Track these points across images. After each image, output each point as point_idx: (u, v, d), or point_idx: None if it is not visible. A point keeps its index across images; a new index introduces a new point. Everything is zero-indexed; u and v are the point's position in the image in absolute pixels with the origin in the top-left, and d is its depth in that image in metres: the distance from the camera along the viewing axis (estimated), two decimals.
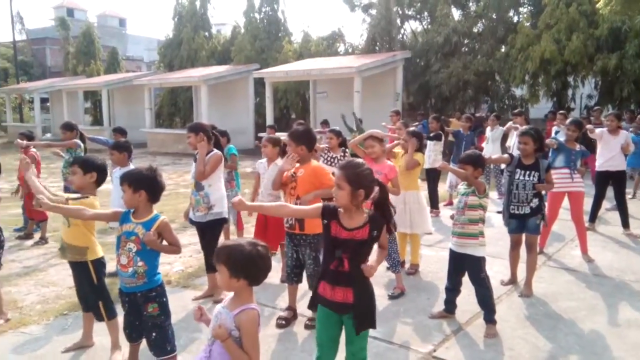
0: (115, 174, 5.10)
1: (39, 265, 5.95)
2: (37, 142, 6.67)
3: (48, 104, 29.63)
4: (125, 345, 3.40)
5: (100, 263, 3.47)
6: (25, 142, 7.08)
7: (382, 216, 2.66)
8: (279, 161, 4.75)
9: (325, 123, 12.40)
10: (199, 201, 4.48)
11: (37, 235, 6.99)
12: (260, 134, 17.63)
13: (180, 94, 24.39)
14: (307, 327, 3.95)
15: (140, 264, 2.93)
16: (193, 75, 20.13)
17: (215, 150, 4.54)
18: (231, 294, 2.23)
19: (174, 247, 3.04)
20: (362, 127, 11.47)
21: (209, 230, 4.55)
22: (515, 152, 5.35)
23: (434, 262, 5.58)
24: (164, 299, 3.04)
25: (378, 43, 18.51)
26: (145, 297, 2.97)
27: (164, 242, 3.02)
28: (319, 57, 20.19)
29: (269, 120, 17.99)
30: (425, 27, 19.62)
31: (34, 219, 7.02)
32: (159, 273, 3.07)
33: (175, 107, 25.28)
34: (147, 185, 2.96)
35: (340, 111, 17.65)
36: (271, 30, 22.08)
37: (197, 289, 4.92)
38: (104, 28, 44.53)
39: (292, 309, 4.15)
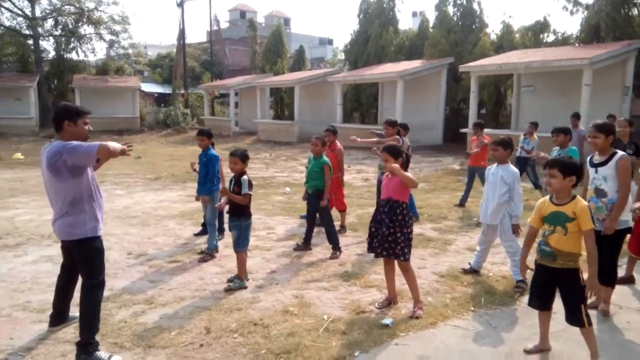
0: None
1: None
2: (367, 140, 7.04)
3: (235, 99, 32.38)
4: None
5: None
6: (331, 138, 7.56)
7: None
8: None
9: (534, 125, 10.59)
10: (602, 208, 4.33)
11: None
12: (464, 130, 17.18)
13: (365, 90, 24.86)
14: None
15: None
16: (390, 71, 20.34)
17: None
18: None
19: None
20: None
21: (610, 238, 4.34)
22: None
23: None
24: None
25: (603, 32, 16.83)
26: None
27: None
28: (523, 48, 19.12)
29: (472, 116, 17.47)
30: None
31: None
32: None
33: (358, 103, 25.84)
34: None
35: (552, 106, 16.57)
36: (465, 23, 21.44)
37: None
38: (271, 28, 47.40)
39: None
